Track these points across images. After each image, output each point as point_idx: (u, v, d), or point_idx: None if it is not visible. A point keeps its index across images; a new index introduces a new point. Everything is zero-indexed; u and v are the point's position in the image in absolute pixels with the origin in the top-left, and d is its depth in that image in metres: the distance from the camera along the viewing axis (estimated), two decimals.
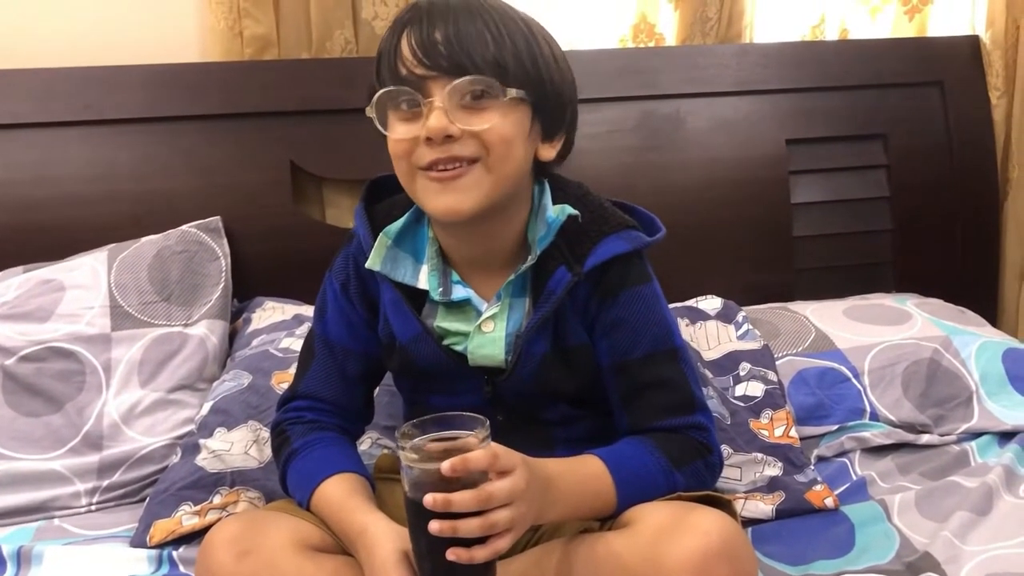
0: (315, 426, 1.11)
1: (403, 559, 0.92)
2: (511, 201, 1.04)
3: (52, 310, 1.49)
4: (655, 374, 1.05)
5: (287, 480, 1.09)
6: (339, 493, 1.02)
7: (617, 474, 0.99)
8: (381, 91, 0.98)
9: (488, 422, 0.86)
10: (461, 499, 0.81)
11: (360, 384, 1.15)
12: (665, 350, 1.06)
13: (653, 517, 0.95)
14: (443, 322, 1.07)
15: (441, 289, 1.06)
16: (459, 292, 1.06)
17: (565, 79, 1.04)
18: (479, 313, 1.06)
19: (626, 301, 1.05)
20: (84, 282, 1.53)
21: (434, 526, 0.81)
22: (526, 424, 1.02)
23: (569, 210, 1.04)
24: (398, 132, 0.98)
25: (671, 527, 0.92)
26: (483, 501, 0.82)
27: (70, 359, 1.45)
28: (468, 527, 0.82)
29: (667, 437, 1.03)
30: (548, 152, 1.05)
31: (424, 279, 1.06)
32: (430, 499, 0.81)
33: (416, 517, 0.83)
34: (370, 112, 0.99)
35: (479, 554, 0.83)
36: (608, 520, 1.00)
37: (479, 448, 0.83)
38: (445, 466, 0.81)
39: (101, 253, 1.58)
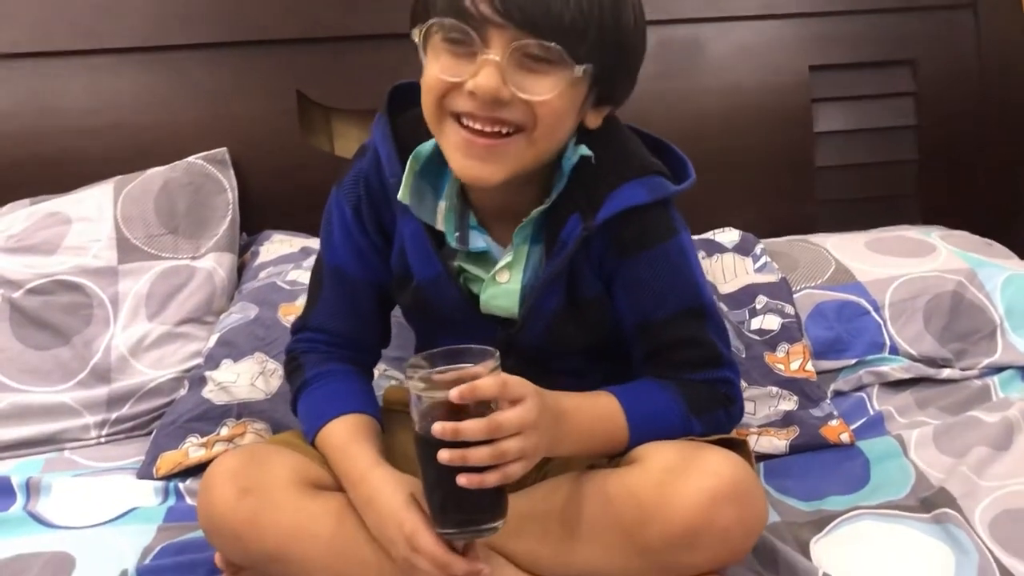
0: (330, 356, 1.07)
1: (411, 501, 0.89)
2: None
3: (58, 243, 1.48)
4: (680, 334, 0.99)
5: (298, 410, 1.07)
6: (343, 436, 0.99)
7: (631, 414, 0.96)
8: (434, 19, 0.86)
9: (498, 353, 0.83)
10: (469, 427, 0.79)
11: (373, 315, 1.08)
12: (690, 309, 0.98)
13: (662, 455, 0.92)
14: (462, 262, 1.00)
15: (459, 235, 0.98)
16: (477, 242, 0.98)
17: (639, 51, 0.93)
18: (496, 260, 0.99)
19: (648, 260, 0.96)
20: (90, 215, 1.51)
21: (443, 455, 0.79)
22: (538, 374, 0.90)
23: (583, 151, 0.94)
24: (442, 68, 0.87)
25: (680, 466, 0.90)
26: (492, 430, 0.80)
27: (77, 292, 1.44)
28: (478, 455, 0.79)
29: (689, 385, 0.99)
30: (595, 119, 0.94)
31: (442, 220, 0.97)
32: (438, 427, 0.79)
33: (425, 449, 0.82)
34: (416, 37, 0.88)
35: (490, 478, 0.80)
36: (616, 456, 0.98)
37: (487, 376, 0.81)
38: (453, 393, 0.78)
39: (107, 185, 1.56)
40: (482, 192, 0.97)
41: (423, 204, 0.97)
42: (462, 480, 0.80)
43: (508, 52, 0.84)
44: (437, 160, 0.96)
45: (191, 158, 1.61)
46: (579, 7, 0.84)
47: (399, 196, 0.95)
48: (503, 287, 0.98)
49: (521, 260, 0.98)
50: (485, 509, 0.84)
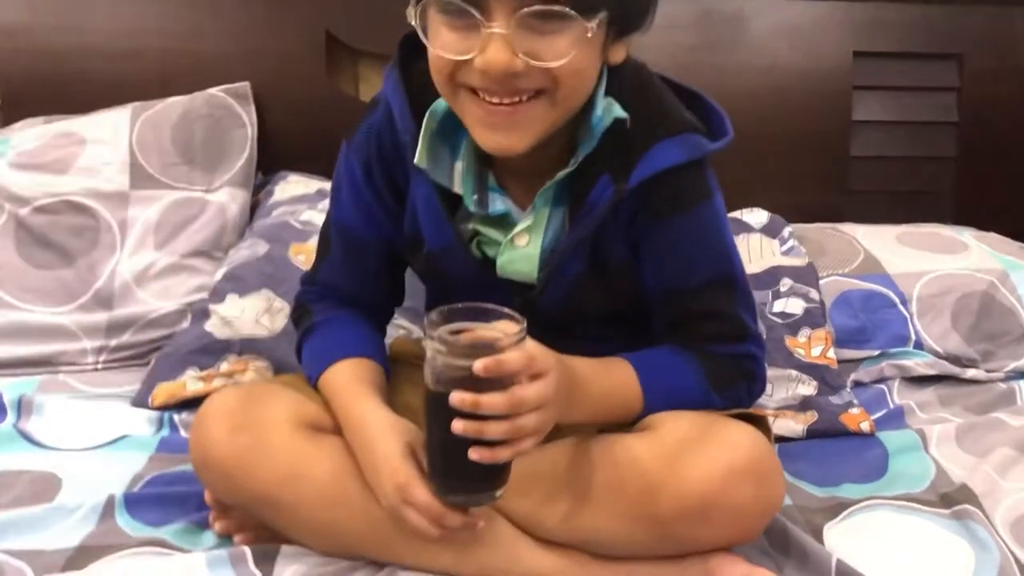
0: (336, 303, 1.03)
1: (409, 452, 0.85)
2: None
3: (71, 163, 1.45)
4: (707, 306, 0.94)
5: (301, 355, 1.02)
6: (346, 377, 0.95)
7: (647, 384, 0.92)
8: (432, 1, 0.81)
9: (524, 320, 0.78)
10: (491, 401, 0.75)
11: (382, 274, 1.03)
12: (721, 278, 0.94)
13: (679, 425, 0.88)
14: (478, 224, 0.95)
15: (476, 197, 0.92)
16: (497, 205, 0.93)
17: None
18: (516, 223, 0.93)
19: (680, 224, 0.91)
20: (105, 137, 1.48)
21: (458, 426, 0.75)
22: (557, 339, 0.86)
23: (617, 112, 0.88)
24: (444, 45, 0.81)
25: (697, 437, 0.86)
26: (514, 405, 0.76)
27: (85, 214, 1.41)
28: (495, 430, 0.76)
29: (711, 357, 0.95)
30: (618, 54, 0.88)
31: (459, 182, 0.92)
32: (457, 398, 0.74)
33: (436, 411, 0.77)
34: (412, 17, 0.83)
35: (502, 453, 0.77)
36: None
37: (512, 346, 0.76)
38: (478, 366, 0.74)
39: (124, 110, 1.53)
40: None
41: (439, 165, 0.91)
42: (474, 454, 0.76)
43: (513, 21, 0.78)
44: (453, 117, 0.89)
45: (213, 90, 1.57)
46: None
47: (416, 160, 0.89)
48: (521, 251, 0.93)
49: (542, 223, 0.92)
50: (488, 479, 0.81)
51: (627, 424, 0.93)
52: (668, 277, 0.94)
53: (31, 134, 1.49)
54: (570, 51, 0.80)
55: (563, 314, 0.96)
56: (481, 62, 0.79)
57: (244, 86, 1.59)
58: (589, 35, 0.80)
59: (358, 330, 1.01)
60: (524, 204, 0.94)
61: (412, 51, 0.92)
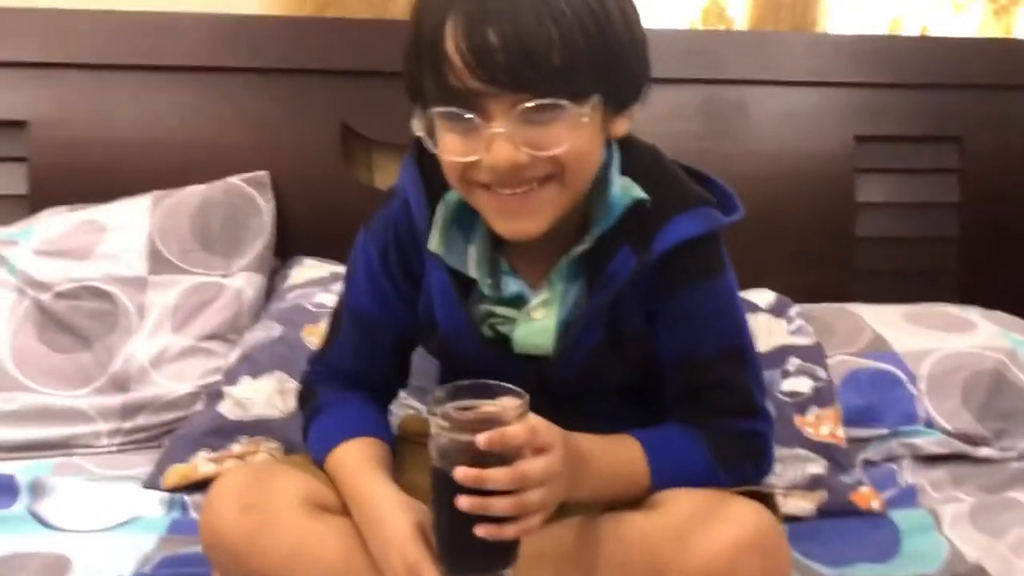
0: (344, 386, 1.04)
1: (418, 531, 0.85)
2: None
3: (92, 250, 1.49)
4: (718, 376, 0.95)
5: (308, 437, 1.03)
6: (354, 457, 0.95)
7: (655, 464, 0.92)
8: (431, 111, 0.84)
9: (527, 395, 0.79)
10: (495, 476, 0.75)
11: (391, 357, 1.05)
12: (732, 350, 0.96)
13: (686, 501, 0.88)
14: (491, 305, 0.96)
15: (491, 281, 0.94)
16: (510, 286, 0.95)
17: (640, 49, 0.88)
18: (530, 302, 0.95)
19: (696, 293, 0.93)
20: (125, 224, 1.52)
21: (463, 502, 0.75)
22: (570, 415, 0.88)
23: (637, 193, 0.90)
24: (451, 150, 0.84)
25: (704, 514, 0.86)
26: (518, 480, 0.76)
27: (105, 299, 1.44)
28: (500, 506, 0.75)
29: (719, 434, 0.95)
30: (621, 127, 0.91)
31: (473, 267, 0.94)
32: (461, 473, 0.75)
33: (441, 487, 0.78)
34: (418, 129, 0.86)
35: (509, 530, 0.77)
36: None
37: (515, 420, 0.77)
38: (481, 439, 0.74)
39: (145, 198, 1.57)
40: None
41: (453, 251, 0.94)
42: (480, 531, 0.76)
43: (511, 118, 0.81)
44: (466, 206, 0.92)
45: (231, 178, 1.62)
46: (563, 41, 0.79)
47: (430, 246, 0.92)
48: (538, 324, 0.94)
49: (557, 297, 0.94)
50: (497, 556, 0.80)
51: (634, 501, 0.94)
52: (681, 346, 0.95)
53: (55, 222, 1.53)
54: (569, 137, 0.83)
55: (578, 387, 0.97)
56: (488, 161, 0.82)
57: (263, 175, 1.64)
58: (584, 119, 0.83)
59: (364, 410, 1.03)
60: (536, 282, 0.96)
61: (425, 149, 0.94)
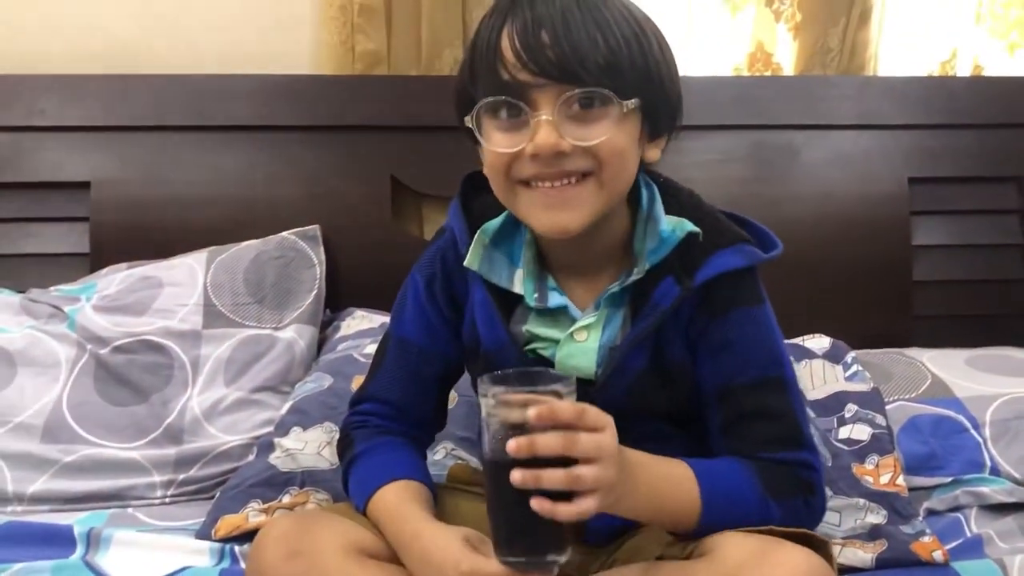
0: (380, 430, 1.06)
1: (466, 543, 0.87)
2: (617, 206, 0.97)
3: (149, 305, 1.52)
4: (761, 403, 0.95)
5: (348, 485, 1.05)
6: (395, 500, 0.97)
7: (706, 485, 0.90)
8: (482, 102, 0.91)
9: (574, 378, 0.81)
10: (546, 440, 0.75)
11: (434, 386, 1.08)
12: (773, 379, 0.97)
13: (737, 547, 0.86)
14: (534, 327, 0.99)
15: (537, 295, 0.98)
16: (556, 299, 0.98)
17: (675, 78, 0.96)
18: (573, 320, 0.98)
19: (736, 321, 0.96)
20: (182, 280, 1.56)
21: (516, 475, 0.75)
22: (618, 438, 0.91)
23: (689, 227, 0.95)
24: (498, 143, 0.91)
25: (755, 561, 0.84)
26: (568, 446, 0.76)
27: (160, 353, 1.47)
28: (553, 477, 0.76)
29: (768, 466, 0.94)
30: (654, 153, 0.97)
31: (519, 283, 0.98)
32: (513, 444, 0.75)
33: (495, 471, 0.79)
34: (469, 122, 0.92)
35: (563, 510, 0.76)
36: (687, 542, 0.92)
37: (565, 399, 0.78)
38: (531, 412, 0.76)
39: (201, 254, 1.61)
40: (561, 253, 0.99)
41: (495, 271, 0.99)
42: (535, 504, 0.76)
43: (557, 107, 0.87)
44: (509, 231, 0.99)
45: (284, 233, 1.65)
46: (608, 47, 0.87)
47: (466, 262, 0.97)
48: (580, 345, 0.97)
49: (601, 321, 0.97)
50: (552, 538, 0.80)
51: (687, 543, 0.92)
52: (722, 373, 0.96)
53: (114, 279, 1.58)
54: (609, 130, 0.88)
55: (621, 412, 0.94)
56: (532, 147, 0.88)
57: (314, 229, 1.67)
58: (624, 111, 0.89)
59: (400, 454, 1.04)
60: (582, 306, 0.99)
61: (471, 189, 1.03)
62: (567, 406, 0.78)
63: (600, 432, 0.79)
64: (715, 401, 0.98)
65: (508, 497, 0.77)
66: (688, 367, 0.98)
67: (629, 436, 0.90)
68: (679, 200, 1.00)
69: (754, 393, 0.95)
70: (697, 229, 0.95)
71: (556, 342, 0.98)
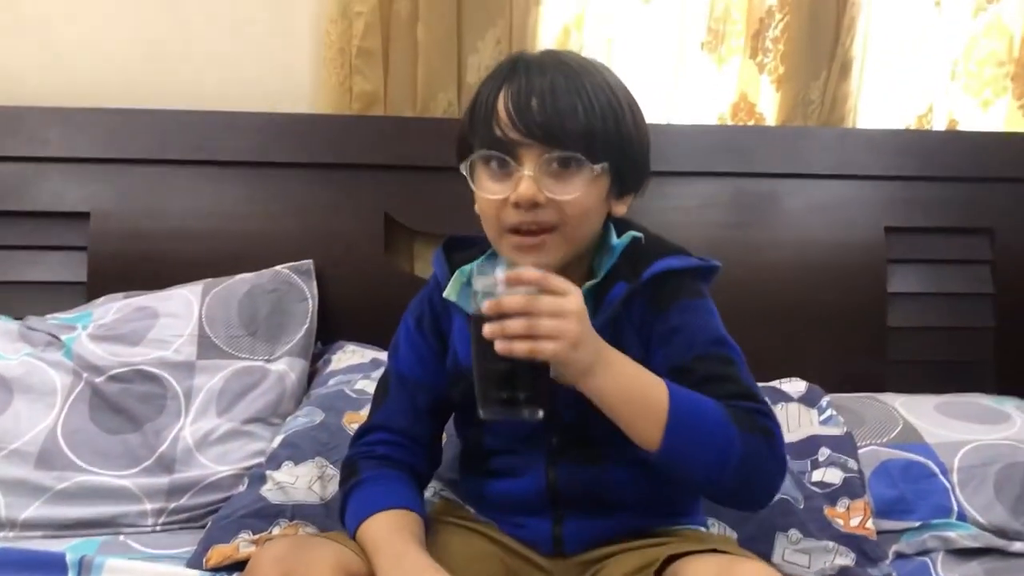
0: (385, 462, 1.13)
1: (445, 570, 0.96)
2: (582, 249, 1.08)
3: (144, 335, 1.56)
4: (712, 371, 1.02)
5: (345, 508, 1.10)
6: (387, 526, 1.03)
7: (675, 393, 0.97)
8: (476, 154, 1.04)
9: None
10: (510, 299, 0.90)
11: (429, 417, 1.17)
12: (721, 355, 1.05)
13: (703, 564, 0.94)
14: None
15: None
16: None
17: (644, 145, 1.09)
18: None
19: (678, 311, 1.06)
20: (177, 311, 1.59)
21: (486, 329, 0.89)
22: (578, 446, 1.06)
23: (634, 234, 1.09)
24: (488, 190, 1.04)
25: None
26: (528, 303, 0.90)
27: (155, 382, 1.50)
28: (513, 326, 0.89)
29: (729, 404, 0.99)
30: (620, 208, 1.10)
31: None
32: (486, 305, 0.90)
33: (476, 338, 0.92)
34: (464, 170, 1.06)
35: (519, 346, 0.89)
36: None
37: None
38: (501, 275, 0.91)
39: (196, 286, 1.65)
40: None
41: (472, 305, 1.06)
42: (498, 345, 0.89)
43: (538, 165, 1.00)
44: (483, 270, 1.07)
45: (278, 267, 1.69)
46: (586, 118, 1.01)
47: (444, 294, 1.10)
48: None
49: None
50: (522, 389, 0.91)
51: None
52: (673, 355, 1.04)
53: (111, 308, 1.61)
54: (579, 189, 1.01)
55: (586, 416, 1.02)
56: (515, 196, 1.01)
57: (307, 263, 1.71)
58: (595, 173, 1.02)
59: (398, 485, 1.10)
60: None
61: (452, 246, 1.16)
62: (532, 271, 0.92)
63: (562, 296, 0.92)
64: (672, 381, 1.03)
65: (483, 355, 0.91)
66: (645, 364, 1.03)
67: (590, 441, 1.05)
68: (629, 227, 1.12)
69: (704, 364, 1.03)
70: (640, 235, 1.09)
71: None
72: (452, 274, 1.11)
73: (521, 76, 1.02)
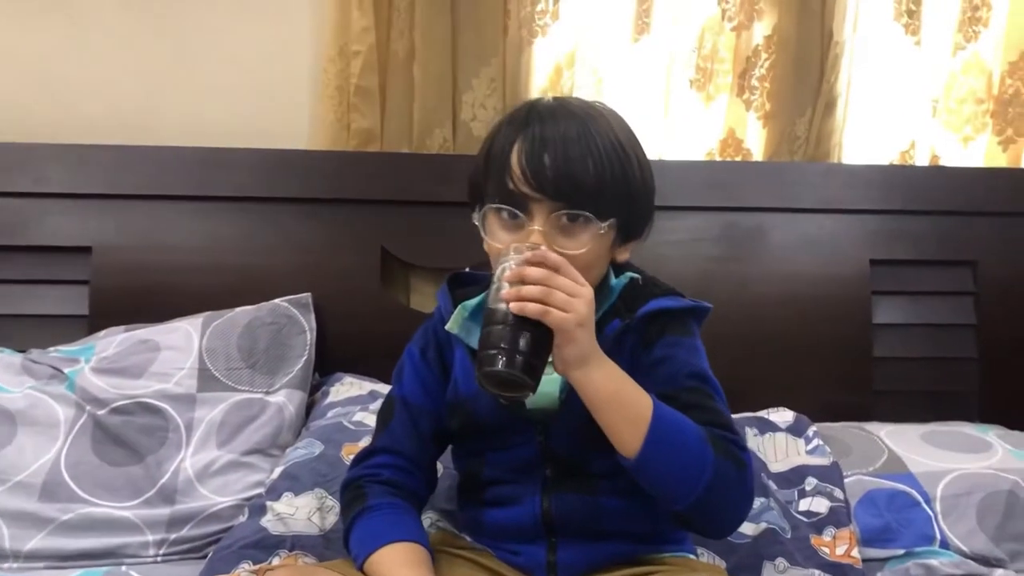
0: (391, 489, 1.15)
1: None
2: None
3: (146, 368, 1.58)
4: (693, 401, 1.06)
5: (352, 533, 1.12)
6: (399, 559, 1.06)
7: (657, 406, 1.01)
8: (488, 207, 1.09)
9: None
10: (531, 270, 0.96)
11: (431, 442, 1.20)
12: (702, 389, 1.08)
13: None
14: None
15: None
16: None
17: (650, 196, 1.13)
18: None
19: (665, 344, 1.10)
20: (178, 344, 1.62)
21: (504, 293, 0.95)
22: (573, 476, 1.10)
23: (632, 274, 1.14)
24: (499, 239, 1.07)
25: None
26: (549, 275, 0.96)
27: (156, 415, 1.53)
28: (530, 289, 0.95)
29: (707, 428, 1.03)
30: (623, 255, 1.14)
31: None
32: (509, 273, 0.96)
33: (491, 308, 0.97)
34: (476, 220, 1.11)
35: (531, 307, 0.94)
36: None
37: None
38: (522, 249, 0.98)
39: (197, 319, 1.68)
40: None
41: (473, 337, 1.12)
42: (513, 306, 0.94)
43: (548, 219, 1.05)
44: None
45: (277, 300, 1.73)
46: (596, 174, 1.05)
47: (447, 326, 1.13)
48: (547, 379, 1.06)
49: None
50: (522, 350, 0.94)
51: None
52: (656, 384, 1.06)
53: (113, 341, 1.64)
54: (586, 244, 1.05)
55: (581, 442, 1.08)
56: None
57: (306, 296, 1.74)
58: (602, 232, 1.06)
59: (410, 518, 1.13)
60: None
61: (456, 282, 1.20)
62: (556, 256, 0.98)
63: (578, 283, 0.97)
64: None
65: (492, 317, 0.96)
66: None
67: (584, 472, 1.09)
68: (626, 268, 1.16)
69: (685, 394, 1.06)
70: (638, 275, 1.14)
71: None
72: (455, 308, 1.15)
73: (536, 132, 1.06)
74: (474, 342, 1.11)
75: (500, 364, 0.94)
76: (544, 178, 1.04)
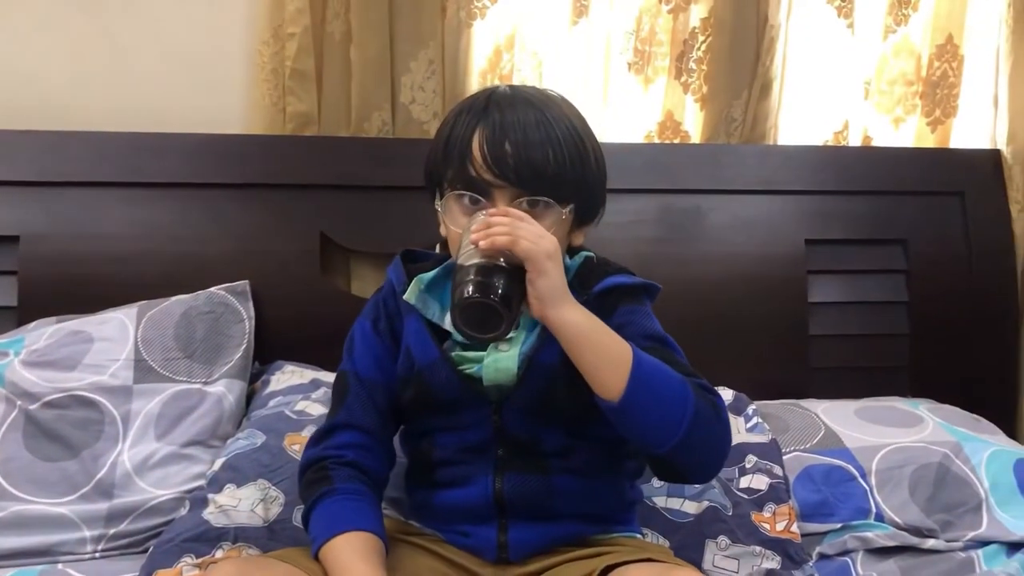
0: (356, 472, 1.14)
1: None
2: None
3: (79, 360, 1.54)
4: (660, 356, 1.06)
5: (312, 513, 1.12)
6: (360, 549, 1.06)
7: (636, 348, 1.02)
8: (452, 192, 1.11)
9: None
10: (498, 217, 1.02)
11: (388, 416, 1.20)
12: (664, 349, 1.10)
13: (640, 572, 1.01)
14: (462, 352, 1.14)
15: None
16: None
17: (603, 181, 1.17)
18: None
19: (623, 313, 1.13)
20: (112, 335, 1.58)
21: (472, 233, 1.00)
22: (525, 456, 1.11)
23: (586, 253, 1.18)
24: (460, 224, 1.09)
25: None
26: (513, 220, 1.01)
27: (91, 408, 1.49)
28: (498, 228, 1.00)
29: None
30: (578, 239, 1.19)
31: (449, 323, 1.13)
32: (475, 224, 1.02)
33: (461, 260, 1.01)
34: (438, 206, 1.14)
35: (499, 239, 0.99)
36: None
37: None
38: (490, 212, 1.04)
39: (131, 309, 1.64)
40: None
41: (429, 309, 1.15)
42: (483, 242, 0.99)
43: (509, 206, 1.07)
44: (440, 281, 1.17)
45: (214, 288, 1.69)
46: (556, 162, 1.08)
47: (404, 296, 1.15)
48: (504, 354, 1.12)
49: (521, 335, 1.12)
50: (496, 286, 0.97)
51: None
52: None
53: (43, 333, 1.59)
54: (549, 229, 1.06)
55: (535, 419, 1.11)
56: None
57: (243, 284, 1.72)
58: (563, 217, 1.10)
59: (371, 507, 1.13)
60: None
61: (408, 257, 1.22)
62: (519, 211, 1.04)
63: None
64: None
65: (464, 268, 0.99)
66: None
67: (537, 451, 1.11)
68: (580, 250, 1.20)
69: (651, 352, 1.06)
70: (592, 254, 1.19)
71: (482, 361, 1.12)
72: (409, 281, 1.16)
73: (495, 113, 1.09)
74: (430, 314, 1.15)
75: (477, 293, 0.97)
76: (506, 165, 1.06)
